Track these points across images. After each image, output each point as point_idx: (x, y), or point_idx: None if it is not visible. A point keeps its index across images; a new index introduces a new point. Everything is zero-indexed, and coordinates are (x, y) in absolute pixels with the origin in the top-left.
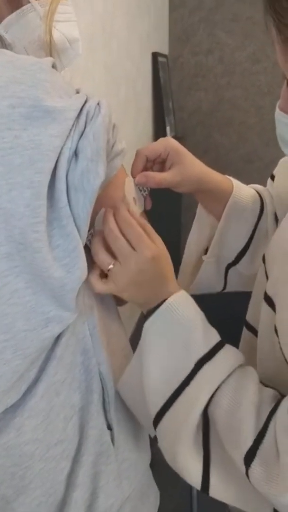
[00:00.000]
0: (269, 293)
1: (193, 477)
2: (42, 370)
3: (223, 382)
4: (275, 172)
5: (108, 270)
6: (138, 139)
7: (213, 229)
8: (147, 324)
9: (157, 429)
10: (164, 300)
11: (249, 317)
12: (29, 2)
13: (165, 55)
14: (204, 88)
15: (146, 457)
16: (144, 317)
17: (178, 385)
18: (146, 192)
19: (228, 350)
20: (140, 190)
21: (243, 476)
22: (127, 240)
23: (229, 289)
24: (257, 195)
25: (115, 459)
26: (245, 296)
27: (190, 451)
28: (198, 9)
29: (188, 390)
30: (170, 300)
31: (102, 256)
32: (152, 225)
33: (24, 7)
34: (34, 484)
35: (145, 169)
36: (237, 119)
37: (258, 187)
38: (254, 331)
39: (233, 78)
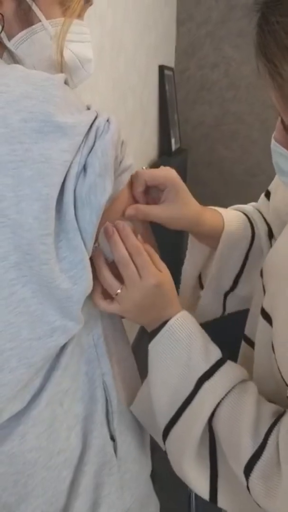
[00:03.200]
0: (266, 308)
1: (201, 488)
2: (46, 379)
3: (223, 398)
4: (270, 188)
5: (116, 294)
6: (144, 150)
7: (205, 257)
8: (151, 346)
9: (165, 445)
10: (166, 322)
11: (248, 331)
12: (40, 21)
13: (172, 68)
14: (209, 101)
15: (147, 468)
16: (148, 337)
17: (181, 402)
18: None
19: (228, 367)
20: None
21: (246, 488)
22: (136, 264)
23: (228, 311)
24: (246, 220)
25: (118, 469)
26: (245, 310)
27: (195, 465)
28: (204, 23)
29: (191, 407)
30: (171, 322)
31: (110, 281)
32: (155, 235)
33: (34, 26)
34: (36, 492)
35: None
36: (241, 132)
37: (246, 208)
38: (252, 345)
39: (238, 92)
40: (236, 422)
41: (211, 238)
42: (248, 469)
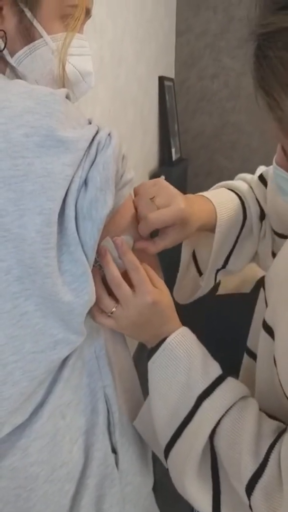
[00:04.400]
0: (268, 321)
1: (204, 506)
2: (49, 392)
3: (223, 415)
4: (265, 174)
5: (111, 313)
6: (144, 160)
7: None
8: (150, 364)
9: (167, 463)
10: (164, 339)
11: (250, 343)
12: (41, 36)
13: (172, 79)
14: (209, 111)
15: (149, 481)
16: (147, 355)
17: (181, 421)
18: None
19: (228, 384)
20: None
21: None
22: (132, 280)
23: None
24: (239, 202)
25: (119, 482)
26: (247, 320)
27: (197, 483)
28: (204, 35)
29: (191, 425)
30: (168, 339)
31: (105, 301)
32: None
33: (36, 42)
34: (39, 506)
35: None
36: (241, 142)
37: (241, 188)
38: (255, 357)
39: (238, 102)
40: (237, 440)
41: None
42: (250, 488)
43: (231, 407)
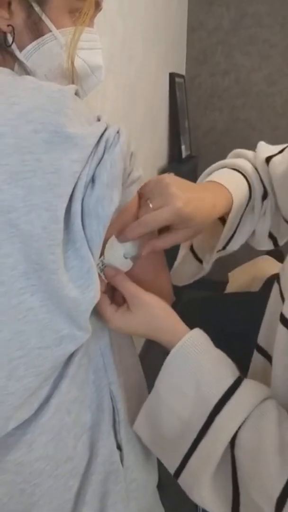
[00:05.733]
0: (286, 315)
1: None
2: (54, 387)
3: (240, 427)
4: (275, 161)
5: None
6: (154, 157)
7: None
8: (156, 382)
9: (179, 480)
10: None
11: (261, 339)
12: (50, 31)
13: (182, 76)
14: (220, 108)
15: (153, 478)
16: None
17: (195, 436)
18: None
19: (244, 390)
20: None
21: None
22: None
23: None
24: (247, 185)
25: (124, 479)
26: (256, 319)
27: (214, 494)
28: (215, 31)
29: (205, 440)
30: (169, 357)
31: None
32: None
33: (45, 36)
34: (43, 501)
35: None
36: (251, 139)
37: (246, 168)
38: (265, 354)
39: (249, 99)
40: (258, 451)
41: None
42: (281, 503)
43: (248, 416)
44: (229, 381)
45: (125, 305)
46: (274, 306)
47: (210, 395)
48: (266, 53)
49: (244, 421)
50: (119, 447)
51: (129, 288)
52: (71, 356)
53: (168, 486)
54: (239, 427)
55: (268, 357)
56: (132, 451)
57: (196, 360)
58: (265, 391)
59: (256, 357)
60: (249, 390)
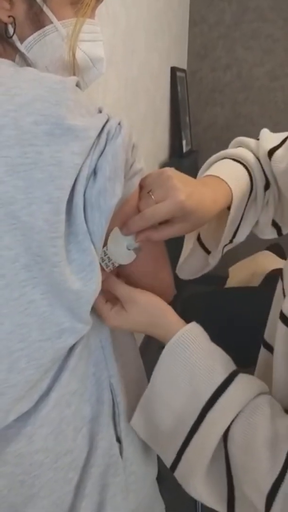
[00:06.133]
0: (286, 312)
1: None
2: (55, 380)
3: (233, 421)
4: (277, 157)
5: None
6: (155, 151)
7: None
8: (152, 377)
9: (175, 474)
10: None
11: (267, 335)
12: (51, 22)
13: (184, 70)
14: (221, 103)
15: (153, 471)
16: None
17: (189, 429)
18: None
19: (236, 388)
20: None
21: None
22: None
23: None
24: (248, 177)
25: (123, 471)
26: (258, 313)
27: (209, 488)
28: (217, 25)
29: (197, 436)
30: (164, 351)
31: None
32: None
33: (46, 28)
34: (43, 493)
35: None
36: (252, 134)
37: (248, 158)
38: (271, 349)
39: (251, 94)
40: (251, 446)
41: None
42: (271, 498)
43: (241, 410)
44: (223, 376)
45: (119, 304)
46: (277, 302)
47: (203, 389)
48: (269, 47)
49: (237, 415)
50: (118, 440)
51: (121, 289)
52: (72, 348)
53: (167, 478)
54: (232, 421)
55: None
56: (132, 443)
57: (190, 354)
58: (260, 387)
59: (263, 352)
60: (243, 385)
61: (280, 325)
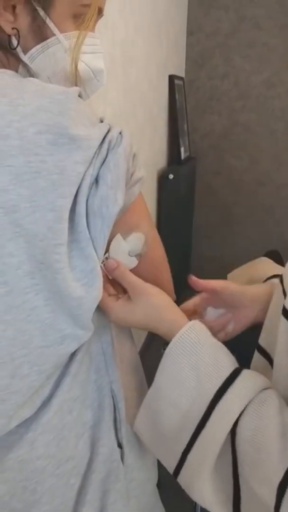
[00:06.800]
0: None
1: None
2: (57, 386)
3: (241, 414)
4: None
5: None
6: (153, 158)
7: None
8: (157, 375)
9: (178, 479)
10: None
11: (262, 340)
12: (54, 34)
13: (182, 78)
14: (219, 111)
15: (153, 477)
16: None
17: (194, 428)
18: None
19: (242, 381)
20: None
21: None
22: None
23: None
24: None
25: (124, 477)
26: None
27: (214, 494)
28: (215, 34)
29: (204, 432)
30: (167, 349)
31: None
32: (165, 226)
33: (49, 40)
34: (45, 499)
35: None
36: (250, 142)
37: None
38: (267, 355)
39: (248, 102)
40: (261, 436)
41: None
42: (281, 492)
43: (248, 403)
44: (229, 370)
45: (126, 295)
46: (276, 308)
47: (209, 384)
48: (265, 56)
49: (245, 408)
50: (119, 446)
51: (130, 279)
52: (73, 354)
53: (168, 484)
54: (240, 414)
55: (269, 359)
56: (133, 449)
57: (196, 350)
58: (265, 381)
59: (257, 358)
60: (249, 378)
61: (283, 321)
